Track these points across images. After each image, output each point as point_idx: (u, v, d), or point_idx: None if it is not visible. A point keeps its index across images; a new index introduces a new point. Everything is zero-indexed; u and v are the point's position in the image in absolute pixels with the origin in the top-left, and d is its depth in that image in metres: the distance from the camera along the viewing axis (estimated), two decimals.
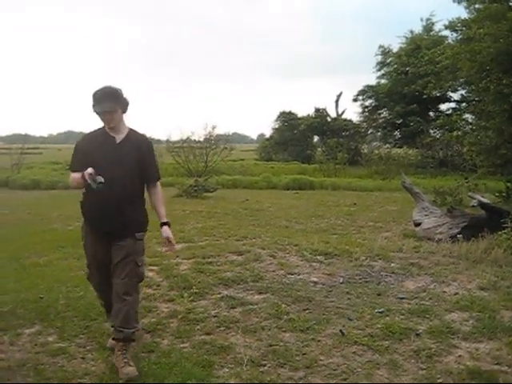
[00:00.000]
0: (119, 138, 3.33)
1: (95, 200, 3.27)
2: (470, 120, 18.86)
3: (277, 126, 37.09)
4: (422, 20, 31.62)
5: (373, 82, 33.98)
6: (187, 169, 19.79)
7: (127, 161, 3.28)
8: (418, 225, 8.00)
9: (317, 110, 35.03)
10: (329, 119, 34.66)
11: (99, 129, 3.39)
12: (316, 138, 36.16)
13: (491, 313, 4.19)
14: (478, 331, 3.83)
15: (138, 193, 3.40)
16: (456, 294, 4.81)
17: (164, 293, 4.82)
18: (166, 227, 3.50)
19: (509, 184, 11.32)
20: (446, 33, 25.19)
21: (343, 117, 34.91)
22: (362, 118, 33.97)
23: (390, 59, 32.08)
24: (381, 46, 32.59)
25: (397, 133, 31.91)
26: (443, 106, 30.99)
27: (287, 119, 35.97)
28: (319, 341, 3.71)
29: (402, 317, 4.16)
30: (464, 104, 26.93)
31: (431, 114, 30.83)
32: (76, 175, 3.22)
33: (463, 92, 27.08)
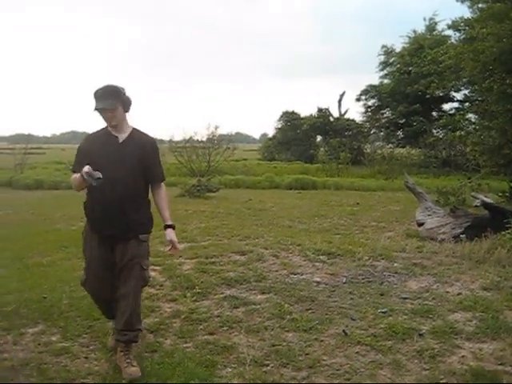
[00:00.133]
0: (122, 137, 3.30)
1: (98, 200, 3.25)
2: (473, 120, 18.79)
3: (280, 126, 37.11)
4: (424, 20, 31.65)
5: (376, 81, 34.02)
6: (190, 169, 19.80)
7: (130, 160, 3.25)
8: (420, 225, 8.00)
9: (319, 110, 35.01)
10: (331, 119, 34.62)
11: (102, 129, 3.36)
12: (319, 138, 36.15)
13: (494, 313, 4.18)
14: (482, 331, 3.82)
15: (141, 193, 3.35)
16: (459, 294, 4.80)
17: (167, 293, 4.83)
18: (169, 230, 3.44)
19: None
20: (449, 32, 25.23)
21: (346, 117, 34.90)
22: (364, 118, 33.98)
23: (393, 59, 32.05)
24: (384, 46, 32.61)
25: (400, 133, 31.86)
26: (446, 106, 31.00)
27: (290, 119, 35.97)
28: (322, 341, 3.71)
29: (405, 317, 4.16)
30: (467, 104, 26.87)
31: (434, 113, 30.80)
32: (76, 175, 3.20)
33: (466, 92, 27.07)
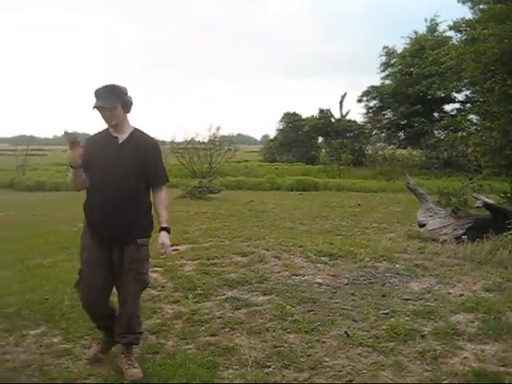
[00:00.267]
0: (122, 138, 3.24)
1: (97, 202, 3.20)
2: (474, 121, 18.77)
3: (281, 127, 37.09)
4: (426, 21, 31.60)
5: (377, 82, 33.97)
6: (191, 170, 19.81)
7: (128, 161, 3.18)
8: (422, 226, 7.99)
9: (321, 111, 34.98)
10: (333, 120, 34.59)
11: (104, 130, 3.32)
12: (320, 139, 36.15)
13: (497, 314, 4.18)
14: (484, 333, 3.82)
15: (140, 195, 3.26)
16: (461, 295, 4.79)
17: (169, 294, 4.83)
18: (163, 233, 3.26)
19: None
20: (451, 33, 25.18)
21: (347, 118, 34.87)
22: (366, 119, 33.94)
23: (394, 60, 32.03)
24: (385, 47, 32.58)
25: (401, 133, 31.84)
26: (448, 107, 30.94)
27: (291, 120, 35.95)
28: (324, 342, 3.71)
29: (407, 318, 4.15)
30: (468, 105, 26.84)
31: (436, 114, 30.75)
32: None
33: (468, 93, 27.01)
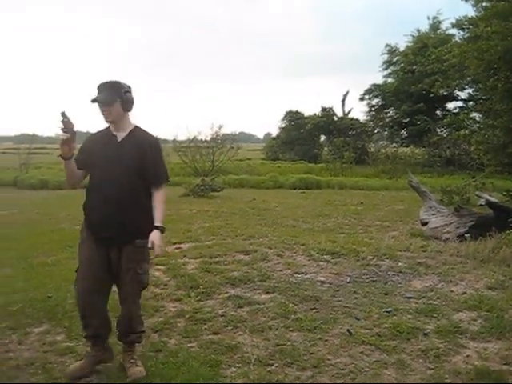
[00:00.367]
0: (121, 136, 3.20)
1: (96, 201, 3.16)
2: (477, 119, 18.77)
3: (283, 126, 37.03)
4: (428, 18, 31.53)
5: (379, 80, 33.96)
6: (194, 168, 19.84)
7: (127, 160, 3.12)
8: (425, 224, 7.98)
9: (323, 110, 34.94)
10: (335, 118, 34.55)
11: (104, 129, 3.29)
12: (323, 138, 36.08)
13: (499, 312, 4.17)
14: (487, 331, 3.81)
15: (139, 194, 3.17)
16: (464, 293, 4.79)
17: (171, 292, 4.84)
18: (155, 231, 3.11)
19: None
20: (453, 31, 25.19)
21: (350, 116, 34.82)
22: (368, 117, 33.91)
23: (397, 58, 31.97)
24: (387, 45, 32.54)
25: (403, 132, 31.80)
26: (450, 105, 30.90)
27: (294, 118, 35.89)
28: (326, 340, 3.71)
29: (410, 316, 4.15)
30: (471, 103, 26.81)
31: (438, 112, 30.71)
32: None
33: (470, 90, 26.99)
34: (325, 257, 6.19)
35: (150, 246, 3.06)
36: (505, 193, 11.30)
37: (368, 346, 3.59)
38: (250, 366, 3.27)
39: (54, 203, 12.43)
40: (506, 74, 11.48)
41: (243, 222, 9.07)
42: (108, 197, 3.09)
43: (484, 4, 12.94)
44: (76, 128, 2.94)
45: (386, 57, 32.73)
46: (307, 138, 34.31)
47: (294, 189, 16.87)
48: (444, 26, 30.37)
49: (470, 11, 26.75)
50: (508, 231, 6.38)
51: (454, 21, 21.50)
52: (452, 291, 4.87)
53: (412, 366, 3.29)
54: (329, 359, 3.39)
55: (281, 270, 5.60)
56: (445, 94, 27.98)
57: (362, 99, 33.71)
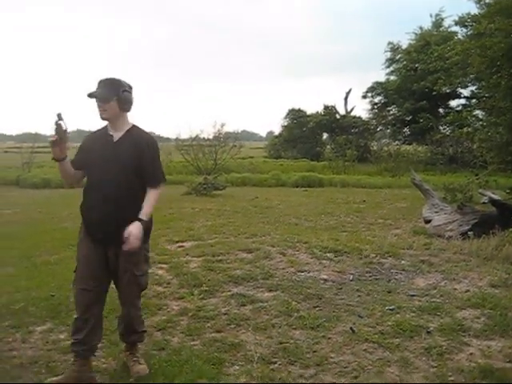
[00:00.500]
0: (117, 135, 3.13)
1: (92, 201, 3.12)
2: (480, 116, 18.69)
3: (286, 124, 37.04)
4: (431, 16, 31.52)
5: (382, 78, 33.89)
6: (196, 167, 19.86)
7: (123, 159, 3.06)
8: (428, 222, 7.97)
9: (326, 108, 34.92)
10: (338, 116, 34.53)
11: (101, 128, 3.25)
12: (325, 136, 36.07)
13: (503, 310, 4.17)
14: (490, 329, 3.81)
15: (137, 193, 3.11)
16: (467, 291, 4.78)
17: (174, 290, 4.84)
18: (136, 222, 2.98)
19: None
20: (456, 29, 25.04)
21: (352, 114, 34.79)
22: (371, 115, 33.90)
23: (400, 56, 31.94)
24: (390, 43, 32.52)
25: (406, 130, 31.75)
26: (453, 103, 30.85)
27: (296, 116, 35.89)
28: (330, 338, 3.71)
29: (413, 314, 4.15)
30: (474, 100, 26.70)
31: (441, 110, 30.65)
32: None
33: (473, 88, 26.85)
34: (327, 255, 6.18)
35: (126, 235, 2.91)
36: (508, 190, 11.28)
37: (371, 344, 3.58)
38: (253, 364, 3.27)
39: (56, 202, 12.44)
40: (510, 71, 11.47)
41: (246, 221, 9.06)
42: (106, 196, 3.04)
43: (487, 1, 12.91)
44: (69, 130, 2.94)
45: (388, 55, 32.75)
46: (310, 136, 34.32)
47: (297, 187, 16.86)
48: (447, 23, 30.36)
49: (472, 8, 26.66)
50: (511, 229, 6.37)
51: (456, 18, 21.38)
52: (455, 289, 4.86)
53: (415, 363, 3.28)
54: (332, 357, 3.39)
55: (283, 268, 5.60)
56: (447, 91, 27.89)
57: (364, 97, 33.75)
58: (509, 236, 6.32)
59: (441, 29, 30.68)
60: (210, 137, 21.43)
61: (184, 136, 22.00)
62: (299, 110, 36.27)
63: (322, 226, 8.58)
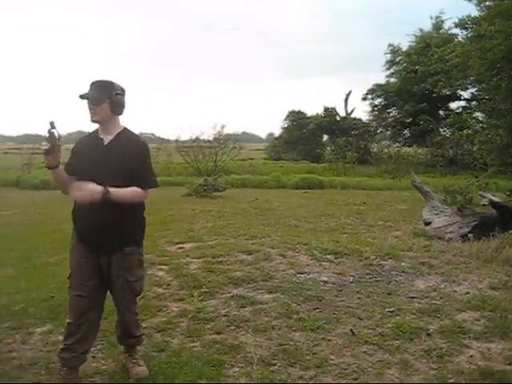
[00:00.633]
0: (107, 139, 3.05)
1: (83, 207, 2.95)
2: (480, 118, 18.71)
3: (286, 125, 37.11)
4: (431, 18, 31.54)
5: (382, 80, 33.97)
6: (196, 168, 19.86)
7: (113, 163, 2.95)
8: (428, 224, 7.97)
9: (326, 109, 34.99)
10: (338, 118, 34.58)
11: (92, 132, 3.17)
12: (325, 137, 36.12)
13: (503, 312, 4.16)
14: (490, 331, 3.81)
15: None
16: (467, 293, 4.78)
17: (174, 292, 4.83)
18: (98, 186, 2.83)
19: None
20: (456, 31, 25.06)
21: (352, 116, 34.85)
22: (371, 117, 33.96)
23: (400, 58, 31.97)
24: (390, 45, 32.54)
25: (406, 131, 31.77)
26: (453, 105, 30.87)
27: (296, 118, 35.95)
28: (329, 340, 3.70)
29: (413, 316, 4.14)
30: (474, 102, 26.69)
31: (441, 112, 30.67)
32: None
33: (473, 90, 26.87)
34: (327, 257, 6.18)
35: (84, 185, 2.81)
36: (508, 193, 11.30)
37: (371, 346, 3.58)
38: (253, 366, 3.27)
39: (55, 203, 12.40)
40: (510, 73, 11.48)
41: (246, 222, 9.06)
42: (92, 203, 2.89)
43: (487, 3, 12.92)
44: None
45: (388, 56, 32.77)
46: (310, 137, 34.35)
47: (297, 189, 16.86)
48: (447, 25, 30.41)
49: (473, 10, 26.70)
50: (511, 231, 6.37)
51: (456, 20, 21.40)
52: (455, 291, 4.86)
53: (415, 365, 3.28)
54: (332, 359, 3.39)
55: (283, 270, 5.60)
56: (448, 93, 27.94)
57: (364, 99, 33.79)
58: (509, 238, 6.32)
59: (441, 31, 30.72)
60: (210, 138, 21.46)
61: (184, 137, 22.04)
62: (299, 112, 36.33)
63: (322, 228, 8.58)
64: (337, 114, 34.93)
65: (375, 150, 28.91)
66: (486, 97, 18.09)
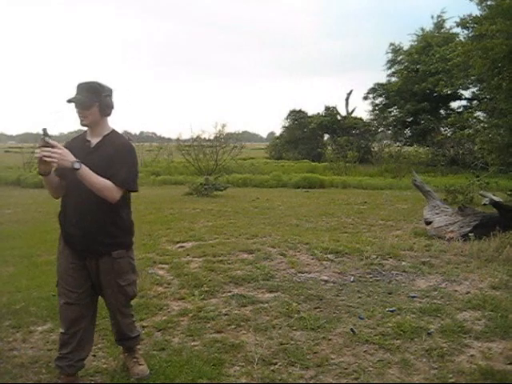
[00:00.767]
0: (95, 141, 2.97)
1: (69, 209, 2.97)
2: (481, 118, 18.67)
3: (287, 125, 37.07)
4: (432, 17, 31.46)
5: (383, 79, 33.92)
6: (197, 167, 19.87)
7: (99, 166, 2.81)
8: (428, 223, 7.97)
9: (327, 109, 34.94)
10: (339, 117, 34.54)
11: (80, 134, 3.11)
12: (326, 137, 36.05)
13: (503, 312, 4.16)
14: (491, 330, 3.80)
15: (115, 202, 2.87)
16: (468, 292, 4.78)
17: (175, 291, 4.84)
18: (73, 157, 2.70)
19: None
20: (457, 30, 25.02)
21: (353, 115, 34.79)
22: (372, 116, 33.82)
23: (401, 57, 31.89)
24: (391, 44, 32.42)
25: (407, 131, 31.70)
26: (454, 104, 30.75)
27: (297, 117, 35.90)
28: (330, 339, 3.70)
29: (414, 316, 4.14)
30: (475, 102, 26.68)
31: (442, 111, 30.57)
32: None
33: (475, 90, 26.82)
34: (328, 256, 6.18)
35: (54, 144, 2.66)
36: (509, 192, 11.31)
37: (372, 346, 3.58)
38: (254, 365, 3.27)
39: (56, 202, 12.39)
40: (511, 72, 11.45)
41: (247, 221, 9.06)
42: (78, 206, 2.90)
43: (489, 3, 12.89)
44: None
45: (389, 56, 32.68)
46: (311, 137, 34.32)
47: (298, 188, 16.86)
48: (448, 24, 30.34)
49: (474, 10, 26.63)
50: None
51: (458, 19, 21.36)
52: (456, 291, 4.86)
53: (416, 365, 3.28)
54: (332, 358, 3.39)
55: (284, 269, 5.60)
56: (449, 93, 27.86)
57: (365, 98, 33.67)
58: (509, 238, 6.32)
59: (442, 30, 30.63)
60: (211, 137, 21.47)
61: (185, 136, 22.06)
62: (300, 111, 36.29)
63: (322, 227, 8.58)
64: (338, 113, 34.89)
65: (376, 149, 28.87)
66: (487, 96, 18.11)
